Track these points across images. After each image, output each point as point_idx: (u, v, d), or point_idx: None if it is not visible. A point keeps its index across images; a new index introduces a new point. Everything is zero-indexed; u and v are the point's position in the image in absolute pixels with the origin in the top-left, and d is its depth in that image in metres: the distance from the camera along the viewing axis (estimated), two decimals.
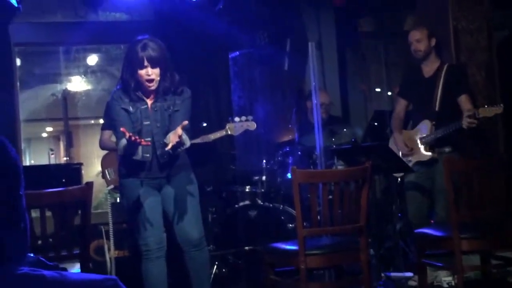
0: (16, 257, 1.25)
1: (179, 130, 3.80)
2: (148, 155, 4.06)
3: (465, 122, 4.74)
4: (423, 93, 5.23)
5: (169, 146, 3.84)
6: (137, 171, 4.13)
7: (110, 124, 4.59)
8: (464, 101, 5.11)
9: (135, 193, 4.14)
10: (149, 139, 4.02)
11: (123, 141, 3.91)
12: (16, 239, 1.25)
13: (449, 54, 5.86)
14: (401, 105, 5.46)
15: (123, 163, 4.19)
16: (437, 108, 5.13)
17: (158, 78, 4.06)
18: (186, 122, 3.89)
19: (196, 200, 4.21)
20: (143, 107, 4.10)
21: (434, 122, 5.09)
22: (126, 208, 4.23)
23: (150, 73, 4.02)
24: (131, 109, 4.08)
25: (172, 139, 3.85)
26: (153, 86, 4.06)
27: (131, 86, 4.08)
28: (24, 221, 1.27)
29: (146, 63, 4.00)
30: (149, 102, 4.13)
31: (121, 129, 3.82)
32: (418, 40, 5.25)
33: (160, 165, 4.12)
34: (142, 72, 4.02)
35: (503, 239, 4.13)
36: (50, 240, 3.57)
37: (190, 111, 4.20)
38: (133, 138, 3.72)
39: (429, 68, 5.29)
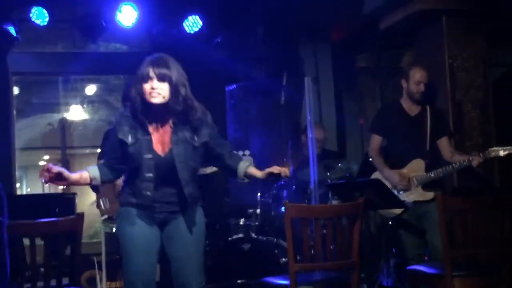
0: None
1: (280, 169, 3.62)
2: (149, 193, 3.46)
3: (475, 162, 4.81)
4: (412, 131, 5.18)
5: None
6: (138, 202, 3.51)
7: None
8: (445, 143, 5.17)
9: (130, 223, 3.51)
10: (150, 175, 3.43)
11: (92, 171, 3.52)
12: None
13: (444, 91, 5.89)
14: (378, 141, 5.32)
15: (124, 189, 3.60)
16: (428, 148, 5.14)
17: (166, 95, 3.40)
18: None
19: (202, 243, 3.65)
20: (145, 137, 3.46)
21: (427, 161, 5.08)
22: (119, 240, 3.59)
23: (155, 86, 3.37)
24: (130, 139, 3.44)
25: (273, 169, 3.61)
26: (156, 99, 3.38)
27: (138, 108, 3.44)
28: (3, 246, 1.27)
29: (152, 74, 3.37)
30: (162, 132, 3.51)
31: (51, 167, 3.28)
32: (425, 83, 5.13)
33: (170, 201, 3.53)
34: (146, 86, 3.38)
35: (497, 278, 4.10)
36: (41, 269, 3.55)
37: (214, 126, 3.72)
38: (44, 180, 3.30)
39: (413, 107, 5.22)
